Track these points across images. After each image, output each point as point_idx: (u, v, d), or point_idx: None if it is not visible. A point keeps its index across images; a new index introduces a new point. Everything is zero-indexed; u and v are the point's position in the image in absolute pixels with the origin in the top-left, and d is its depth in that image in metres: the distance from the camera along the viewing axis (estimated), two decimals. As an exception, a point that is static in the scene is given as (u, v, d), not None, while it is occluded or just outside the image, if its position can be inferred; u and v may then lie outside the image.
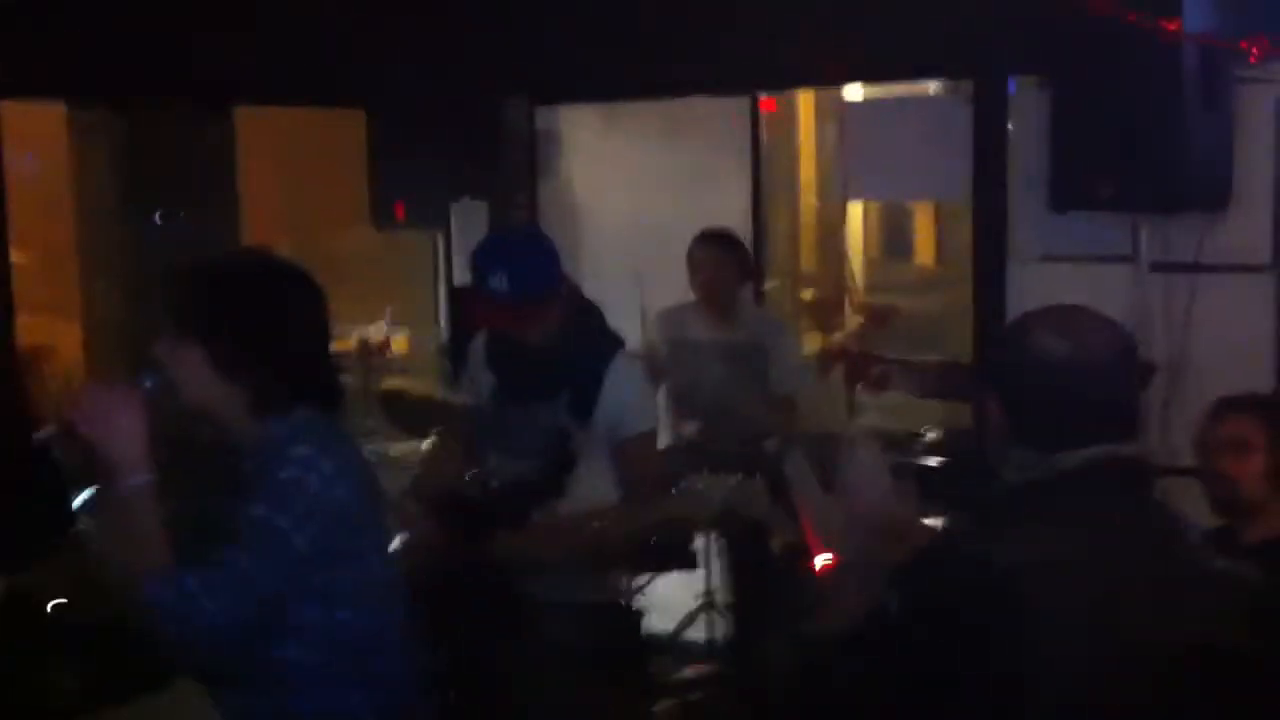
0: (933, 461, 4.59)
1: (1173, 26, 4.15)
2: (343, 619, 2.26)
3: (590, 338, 3.46)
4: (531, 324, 3.36)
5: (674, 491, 4.01)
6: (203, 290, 2.32)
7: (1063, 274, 4.68)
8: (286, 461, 2.21)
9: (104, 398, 2.21)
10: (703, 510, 4.34)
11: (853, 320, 6.91)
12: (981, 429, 2.11)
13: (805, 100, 7.84)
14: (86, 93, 5.57)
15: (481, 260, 3.39)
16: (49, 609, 3.11)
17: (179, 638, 2.16)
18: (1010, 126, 4.92)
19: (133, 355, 6.54)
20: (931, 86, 6.03)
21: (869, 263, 8.07)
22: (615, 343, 3.51)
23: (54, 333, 6.38)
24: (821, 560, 2.98)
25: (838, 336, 6.47)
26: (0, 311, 3.88)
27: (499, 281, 3.31)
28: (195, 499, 2.39)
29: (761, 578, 4.34)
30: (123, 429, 2.17)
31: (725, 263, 4.72)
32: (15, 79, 4.65)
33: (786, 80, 6.21)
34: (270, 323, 2.30)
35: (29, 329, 3.90)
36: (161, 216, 6.53)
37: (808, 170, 7.90)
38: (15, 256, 4.95)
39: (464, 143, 5.70)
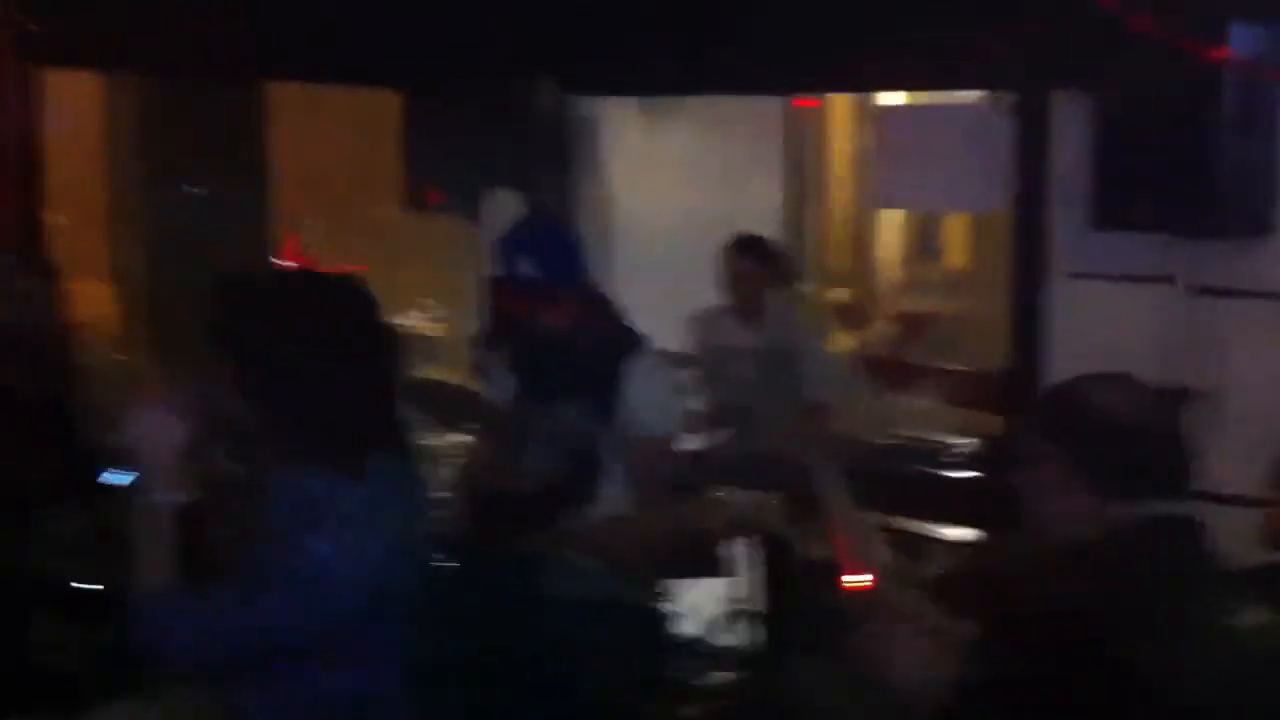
0: (962, 475, 4.57)
1: (1216, 51, 4.12)
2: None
3: (610, 336, 3.43)
4: (551, 313, 3.33)
5: (696, 500, 3.99)
6: (236, 309, 2.19)
7: (1100, 291, 4.64)
8: (300, 523, 2.10)
9: (157, 411, 2.17)
10: (721, 521, 4.31)
11: (884, 325, 6.84)
12: (1033, 481, 2.26)
13: (841, 98, 7.75)
14: (122, 62, 5.55)
15: (504, 247, 3.38)
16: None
17: (154, 653, 2.21)
18: (1051, 140, 4.87)
19: (157, 321, 6.58)
20: (969, 95, 5.97)
21: (900, 262, 8.00)
22: (636, 341, 3.46)
23: (87, 294, 6.34)
24: (853, 580, 2.95)
25: (868, 340, 6.41)
26: (46, 271, 3.88)
27: (520, 268, 3.30)
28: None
29: (788, 591, 4.32)
30: (161, 448, 2.15)
31: (753, 270, 4.70)
32: (56, 46, 4.64)
33: (822, 83, 6.15)
34: (292, 349, 2.13)
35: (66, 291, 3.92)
36: (188, 187, 6.55)
37: (842, 168, 7.82)
38: (52, 219, 4.95)
39: (499, 131, 5.65)
